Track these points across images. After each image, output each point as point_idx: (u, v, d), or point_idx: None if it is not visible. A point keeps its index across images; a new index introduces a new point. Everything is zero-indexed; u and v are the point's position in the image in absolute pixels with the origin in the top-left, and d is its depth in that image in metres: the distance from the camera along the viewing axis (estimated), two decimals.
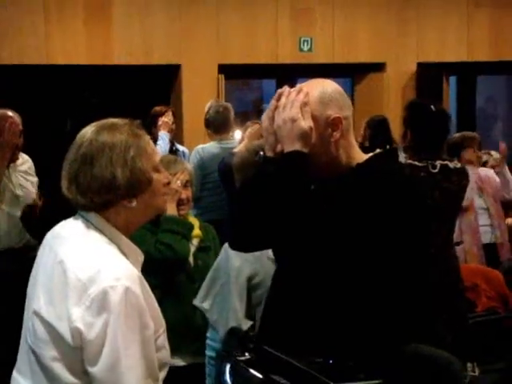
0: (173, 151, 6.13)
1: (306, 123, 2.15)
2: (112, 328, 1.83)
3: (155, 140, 6.08)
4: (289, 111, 2.16)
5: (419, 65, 8.39)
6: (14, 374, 2.03)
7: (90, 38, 7.34)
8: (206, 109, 5.88)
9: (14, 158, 4.57)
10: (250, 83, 9.56)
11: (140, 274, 1.98)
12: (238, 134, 5.87)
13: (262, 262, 2.93)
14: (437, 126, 3.61)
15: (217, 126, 5.73)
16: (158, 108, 6.30)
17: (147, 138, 2.05)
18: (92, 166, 1.94)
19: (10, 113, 4.55)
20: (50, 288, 1.93)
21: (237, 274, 3.01)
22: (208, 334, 3.16)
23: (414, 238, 2.20)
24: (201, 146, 5.79)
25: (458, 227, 4.56)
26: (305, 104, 2.17)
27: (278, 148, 2.20)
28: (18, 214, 4.55)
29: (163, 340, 2.03)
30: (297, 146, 2.14)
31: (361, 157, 2.26)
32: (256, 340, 2.33)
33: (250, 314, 3.01)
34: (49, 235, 2.09)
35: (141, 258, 2.09)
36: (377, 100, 8.35)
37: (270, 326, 2.34)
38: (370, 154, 2.30)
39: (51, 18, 7.21)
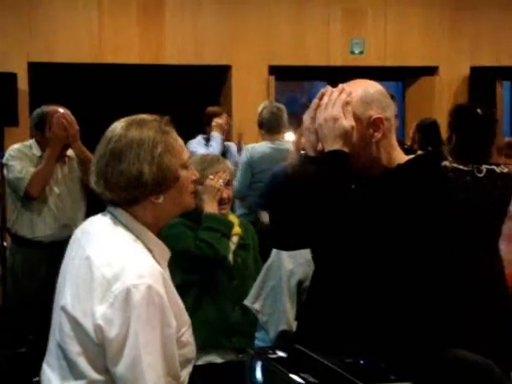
0: (224, 152, 6.15)
1: (347, 122, 2.14)
2: (133, 326, 1.84)
3: (208, 139, 6.13)
4: (331, 110, 2.15)
5: (472, 69, 8.28)
6: (44, 366, 2.06)
7: (142, 37, 7.44)
8: (260, 109, 5.86)
9: (63, 155, 4.65)
10: (302, 85, 9.56)
11: (164, 271, 1.99)
12: (289, 135, 5.85)
13: (313, 266, 2.93)
14: (482, 130, 3.55)
15: (270, 126, 5.72)
16: (213, 108, 6.32)
17: (175, 134, 2.05)
18: (120, 162, 1.96)
19: (60, 109, 4.62)
20: (76, 284, 1.95)
21: (288, 277, 3.02)
22: (257, 335, 3.18)
23: (446, 242, 2.18)
24: (251, 144, 5.79)
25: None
26: (347, 103, 2.16)
27: (319, 147, 2.19)
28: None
29: (188, 336, 2.03)
30: (338, 145, 2.13)
31: (402, 158, 2.25)
32: (294, 340, 2.32)
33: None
34: (78, 231, 2.11)
35: (167, 255, 2.09)
36: (428, 104, 8.27)
37: (307, 326, 2.34)
38: (411, 156, 2.28)
39: (104, 16, 7.33)
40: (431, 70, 8.38)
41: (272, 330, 3.00)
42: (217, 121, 6.09)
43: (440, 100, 8.16)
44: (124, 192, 1.97)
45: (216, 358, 3.22)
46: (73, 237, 2.11)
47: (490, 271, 3.53)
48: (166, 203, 2.01)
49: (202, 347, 3.06)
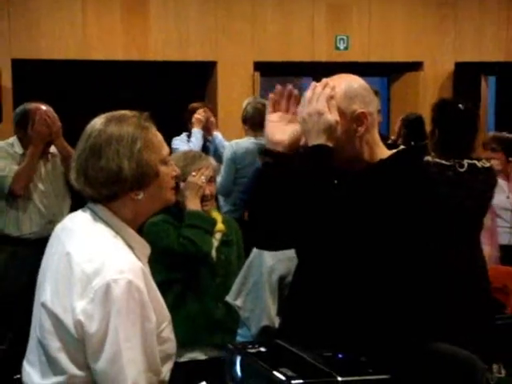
0: (206, 146, 6.14)
1: (332, 117, 2.13)
2: (113, 321, 1.85)
3: (190, 136, 6.12)
4: (315, 104, 2.14)
5: (457, 65, 8.30)
6: (24, 363, 2.06)
7: (126, 33, 7.41)
8: (244, 105, 5.87)
9: (46, 152, 4.64)
10: (288, 81, 9.55)
11: (144, 267, 1.99)
12: None
13: (294, 262, 2.93)
14: (465, 125, 3.57)
15: (254, 122, 5.72)
16: (193, 104, 6.31)
17: (154, 130, 2.06)
18: (99, 158, 1.96)
19: (43, 106, 4.61)
20: (56, 280, 1.95)
21: (269, 273, 3.02)
22: (239, 331, 3.18)
23: (429, 236, 2.18)
24: (235, 140, 5.80)
25: None
26: (331, 98, 2.15)
27: (302, 141, 2.19)
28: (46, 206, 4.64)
29: (168, 332, 2.04)
30: (322, 140, 2.12)
31: (384, 153, 2.25)
32: (277, 335, 2.33)
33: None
34: (58, 227, 2.11)
35: (147, 251, 2.10)
36: (413, 100, 8.29)
37: (290, 320, 2.34)
38: (394, 151, 2.29)
39: (89, 13, 7.30)
40: (416, 66, 8.40)
41: (254, 326, 3.01)
42: (196, 116, 6.09)
43: (425, 95, 8.17)
44: (104, 188, 1.97)
45: (199, 355, 3.23)
46: (53, 233, 2.11)
47: (473, 265, 3.56)
48: (146, 199, 2.01)
49: (185, 344, 3.07)
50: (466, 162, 3.48)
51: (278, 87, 2.29)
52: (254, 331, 3.00)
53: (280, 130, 2.22)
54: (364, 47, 8.17)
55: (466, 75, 8.17)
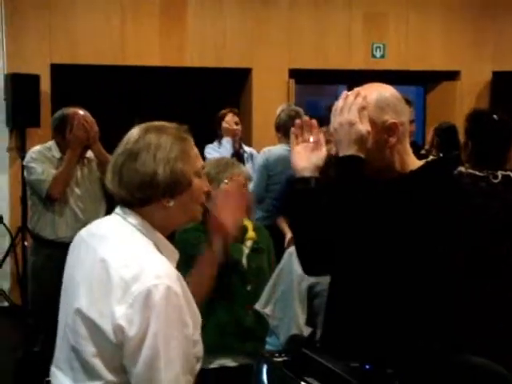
0: (240, 154, 6.17)
1: (363, 127, 2.13)
2: (153, 326, 1.86)
3: (220, 141, 6.16)
4: (346, 115, 2.15)
5: (494, 74, 8.23)
6: (53, 369, 2.08)
7: (163, 39, 7.48)
8: (278, 112, 5.89)
9: (83, 156, 4.70)
10: (324, 88, 9.54)
11: (178, 272, 2.01)
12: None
13: None
14: (499, 136, 3.54)
15: (287, 129, 5.73)
16: (222, 111, 6.35)
17: (192, 143, 2.10)
18: (136, 162, 2.00)
19: (80, 111, 4.67)
20: (90, 286, 1.96)
21: (299, 281, 3.01)
22: (268, 339, 3.17)
23: (460, 247, 2.17)
24: (268, 147, 5.83)
25: None
26: (363, 108, 2.15)
27: (333, 151, 2.20)
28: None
29: (198, 335, 2.05)
30: (353, 150, 2.13)
31: (415, 163, 2.25)
32: (305, 344, 2.33)
33: (311, 322, 3.01)
34: (83, 233, 2.13)
35: (176, 256, 2.12)
36: (449, 109, 8.23)
37: (328, 333, 2.35)
38: (424, 162, 2.28)
39: (127, 19, 7.38)
40: (453, 75, 8.35)
41: (282, 335, 3.00)
42: (223, 125, 6.13)
43: (461, 105, 8.11)
44: (137, 191, 2.00)
45: (229, 362, 3.23)
46: (76, 239, 2.13)
47: (504, 277, 3.52)
48: (177, 208, 2.04)
49: (215, 351, 3.09)
50: (500, 173, 3.44)
51: (297, 121, 2.32)
52: (283, 340, 3.00)
53: (304, 158, 2.26)
54: (401, 55, 8.14)
55: (504, 84, 8.09)
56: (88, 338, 1.94)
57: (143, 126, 2.08)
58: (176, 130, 2.07)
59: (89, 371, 1.95)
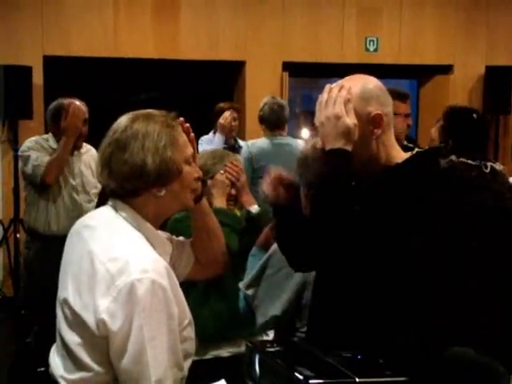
0: (235, 149, 6.16)
1: (350, 120, 2.10)
2: (137, 320, 1.85)
3: (215, 133, 6.15)
4: (332, 108, 2.11)
5: (487, 68, 8.24)
6: (53, 349, 2.10)
7: (157, 31, 7.46)
8: (261, 105, 5.90)
9: (77, 145, 4.71)
10: (318, 81, 9.54)
11: (168, 265, 2.00)
12: (305, 132, 5.85)
13: None
14: (480, 133, 3.57)
15: (270, 122, 5.76)
16: (221, 104, 6.32)
17: (180, 129, 2.07)
18: (124, 152, 1.97)
19: (76, 101, 4.70)
20: (78, 278, 1.96)
21: (289, 272, 3.00)
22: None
23: (448, 241, 2.17)
24: (251, 140, 5.84)
25: None
26: (348, 100, 2.12)
27: (319, 145, 2.18)
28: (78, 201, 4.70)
29: (189, 331, 2.05)
30: (340, 144, 2.09)
31: (400, 156, 2.21)
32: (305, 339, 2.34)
33: (299, 314, 3.00)
34: (78, 224, 2.13)
35: (169, 248, 2.11)
36: (442, 103, 8.20)
37: (314, 325, 2.35)
38: (409, 154, 2.26)
39: (120, 11, 7.36)
40: (446, 69, 8.35)
41: (261, 315, 2.98)
42: (220, 122, 6.11)
43: (454, 99, 8.09)
44: (127, 182, 1.98)
45: (223, 352, 3.23)
46: (72, 230, 2.13)
47: (504, 270, 3.52)
48: (168, 197, 2.03)
49: (212, 340, 3.10)
50: (488, 163, 3.44)
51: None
52: (261, 320, 2.98)
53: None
54: (394, 49, 8.14)
55: (497, 79, 8.10)
56: (73, 329, 1.94)
57: (130, 114, 2.05)
58: (164, 117, 2.05)
59: (75, 360, 1.95)
